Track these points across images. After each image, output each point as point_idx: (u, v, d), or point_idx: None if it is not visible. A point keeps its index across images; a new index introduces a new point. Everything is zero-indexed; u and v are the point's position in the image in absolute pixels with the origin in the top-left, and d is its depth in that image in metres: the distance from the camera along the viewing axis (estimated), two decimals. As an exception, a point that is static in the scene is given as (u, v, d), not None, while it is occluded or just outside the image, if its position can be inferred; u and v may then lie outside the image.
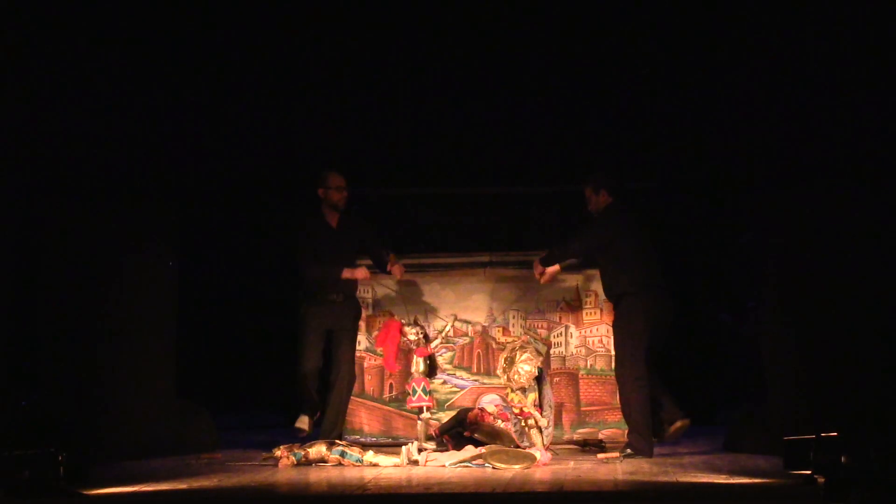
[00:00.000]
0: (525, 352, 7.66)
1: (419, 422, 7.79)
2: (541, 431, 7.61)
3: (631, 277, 7.50)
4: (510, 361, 7.65)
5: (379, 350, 8.15)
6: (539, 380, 7.71)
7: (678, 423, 7.57)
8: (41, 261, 7.51)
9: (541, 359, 7.81)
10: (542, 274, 7.95)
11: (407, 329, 7.86)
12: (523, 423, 7.64)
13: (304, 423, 7.91)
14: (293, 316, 8.02)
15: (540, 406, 7.66)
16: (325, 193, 7.99)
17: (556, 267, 7.97)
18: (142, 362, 7.92)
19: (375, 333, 8.29)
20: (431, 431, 7.78)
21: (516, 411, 7.66)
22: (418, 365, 7.85)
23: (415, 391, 7.77)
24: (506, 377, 7.66)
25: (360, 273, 8.02)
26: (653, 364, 7.61)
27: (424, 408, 7.77)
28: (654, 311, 7.50)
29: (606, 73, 8.48)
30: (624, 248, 7.56)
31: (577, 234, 7.78)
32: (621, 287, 7.54)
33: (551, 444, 7.69)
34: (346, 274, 7.95)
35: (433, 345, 7.95)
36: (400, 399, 8.35)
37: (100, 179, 7.69)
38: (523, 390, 7.63)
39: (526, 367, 7.61)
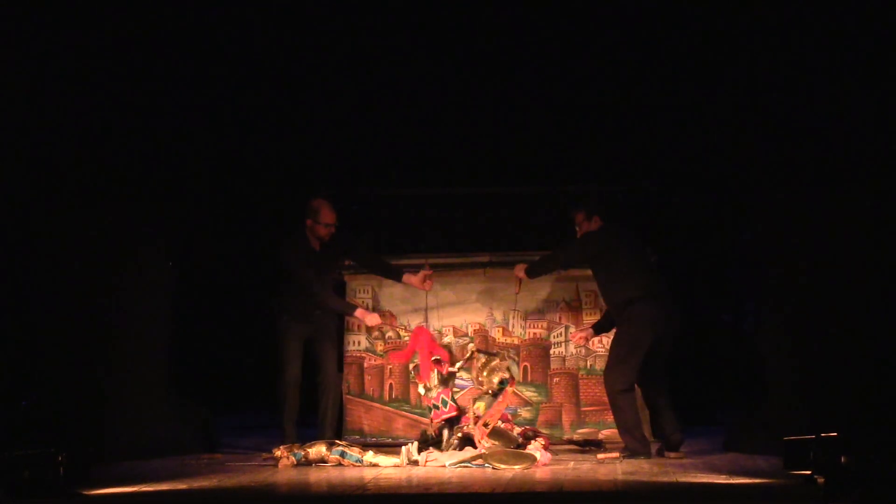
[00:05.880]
0: (499, 366, 7.61)
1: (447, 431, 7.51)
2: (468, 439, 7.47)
3: (634, 288, 7.49)
4: (489, 370, 7.61)
5: (412, 366, 7.96)
6: (495, 394, 7.60)
7: (674, 455, 7.51)
8: (40, 261, 7.50)
9: (507, 376, 7.64)
10: (520, 282, 7.90)
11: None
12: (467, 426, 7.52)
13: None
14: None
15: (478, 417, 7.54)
16: (312, 225, 7.92)
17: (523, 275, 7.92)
18: (141, 362, 7.93)
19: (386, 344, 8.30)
20: (432, 431, 7.75)
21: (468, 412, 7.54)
22: (438, 376, 7.61)
23: (445, 402, 7.55)
24: (478, 383, 7.61)
25: (371, 320, 8.01)
26: (659, 371, 7.61)
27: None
28: (661, 321, 7.48)
29: (606, 72, 8.48)
30: (621, 262, 7.54)
31: (563, 246, 7.78)
32: (627, 294, 7.49)
33: (550, 444, 7.67)
34: (359, 314, 7.97)
35: (455, 367, 7.73)
36: (400, 399, 8.37)
37: (99, 180, 7.69)
38: (486, 396, 7.57)
39: (494, 378, 7.57)
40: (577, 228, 7.75)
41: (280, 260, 7.95)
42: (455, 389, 7.94)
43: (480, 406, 7.54)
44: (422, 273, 8.02)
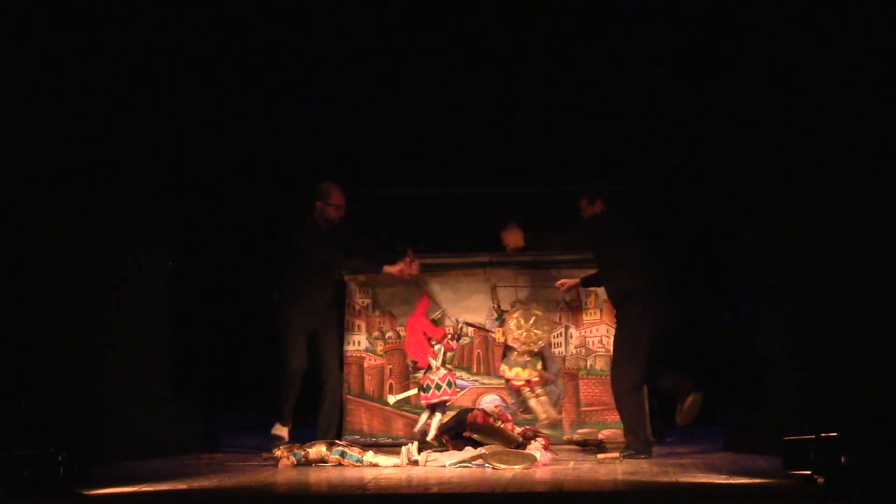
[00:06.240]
0: (532, 316, 7.72)
1: (437, 416, 7.64)
2: (544, 399, 7.69)
3: (635, 279, 7.50)
4: (519, 325, 7.69)
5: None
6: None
7: (690, 398, 7.49)
8: (40, 261, 7.50)
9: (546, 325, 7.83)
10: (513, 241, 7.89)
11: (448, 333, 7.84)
12: (527, 393, 7.70)
13: (282, 431, 7.88)
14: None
15: (546, 370, 7.76)
16: (322, 207, 7.98)
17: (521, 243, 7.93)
18: (141, 362, 7.93)
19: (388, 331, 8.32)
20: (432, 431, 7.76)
21: (519, 383, 7.68)
22: (443, 357, 7.72)
23: (450, 384, 7.64)
24: (519, 342, 7.69)
25: (406, 269, 8.01)
26: (657, 366, 7.61)
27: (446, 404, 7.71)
28: (659, 315, 7.49)
29: (607, 72, 8.47)
30: (624, 251, 7.56)
31: (573, 229, 7.80)
32: (626, 288, 7.52)
33: (550, 444, 7.68)
34: (388, 269, 8.00)
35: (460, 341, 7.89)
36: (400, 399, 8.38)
37: (99, 179, 7.68)
38: (529, 357, 7.69)
39: (536, 331, 7.64)
40: (582, 215, 7.78)
41: (296, 244, 7.95)
42: (457, 390, 7.97)
43: (525, 371, 7.68)
44: (406, 259, 8.03)
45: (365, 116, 8.74)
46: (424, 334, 7.81)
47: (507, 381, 7.88)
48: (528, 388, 7.76)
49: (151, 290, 8.05)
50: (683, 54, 8.14)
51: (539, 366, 7.74)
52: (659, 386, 7.69)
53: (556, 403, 7.83)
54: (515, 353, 7.77)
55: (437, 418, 7.61)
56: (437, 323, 8.04)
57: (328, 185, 8.01)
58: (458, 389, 7.69)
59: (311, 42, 8.37)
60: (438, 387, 7.60)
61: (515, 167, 9.00)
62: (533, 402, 7.78)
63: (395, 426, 8.41)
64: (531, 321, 7.73)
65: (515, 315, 7.78)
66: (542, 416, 7.74)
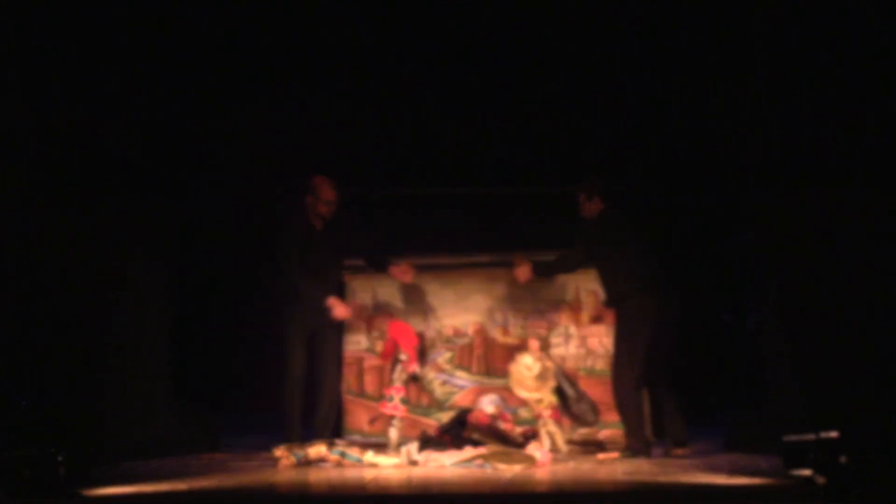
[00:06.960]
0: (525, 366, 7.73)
1: (391, 428, 7.72)
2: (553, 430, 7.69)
3: (632, 279, 7.51)
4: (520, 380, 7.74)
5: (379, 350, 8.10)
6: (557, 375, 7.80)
7: (681, 451, 7.61)
8: (41, 261, 7.51)
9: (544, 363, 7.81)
10: (523, 275, 7.89)
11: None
12: (539, 423, 7.72)
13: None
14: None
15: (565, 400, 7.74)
16: (313, 203, 7.91)
17: (530, 273, 7.93)
18: (142, 362, 7.93)
19: (376, 336, 8.30)
20: (432, 432, 7.77)
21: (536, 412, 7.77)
22: (402, 374, 7.80)
23: (392, 398, 7.73)
24: (530, 392, 7.75)
25: (341, 311, 7.80)
26: (663, 369, 7.62)
27: (398, 417, 7.75)
28: (658, 313, 7.50)
29: (607, 73, 8.48)
30: (621, 251, 7.56)
31: (572, 248, 7.77)
32: (622, 289, 7.53)
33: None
34: (331, 303, 7.77)
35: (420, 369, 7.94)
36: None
37: (98, 179, 7.69)
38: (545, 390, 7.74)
39: (538, 380, 7.71)
40: (581, 210, 7.77)
41: (277, 237, 7.94)
42: (454, 389, 7.98)
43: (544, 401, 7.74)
44: (404, 264, 8.00)
45: (365, 116, 8.74)
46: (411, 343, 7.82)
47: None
48: (540, 418, 7.77)
49: (151, 289, 8.05)
50: (684, 53, 8.15)
51: (550, 399, 7.72)
52: (663, 422, 7.73)
53: (594, 420, 7.80)
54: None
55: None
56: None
57: (319, 180, 7.87)
58: (398, 405, 7.71)
59: (310, 41, 8.37)
60: (391, 398, 7.66)
61: (515, 167, 9.01)
62: (542, 431, 7.72)
63: (395, 426, 8.40)
64: (530, 372, 7.74)
65: (515, 370, 7.77)
66: (548, 447, 7.68)
